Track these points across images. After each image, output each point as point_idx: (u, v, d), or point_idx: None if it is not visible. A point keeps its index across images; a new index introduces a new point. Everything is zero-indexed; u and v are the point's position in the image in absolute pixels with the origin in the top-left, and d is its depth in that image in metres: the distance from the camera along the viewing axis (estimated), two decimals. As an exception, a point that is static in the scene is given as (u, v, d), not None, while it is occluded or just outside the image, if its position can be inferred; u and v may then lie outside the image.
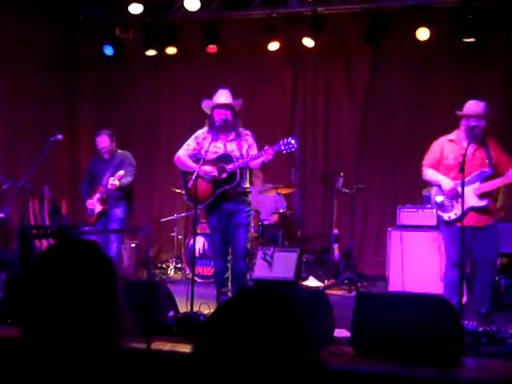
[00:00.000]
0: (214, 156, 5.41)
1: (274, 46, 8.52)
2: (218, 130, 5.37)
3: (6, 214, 6.37)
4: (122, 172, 6.48)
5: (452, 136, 5.21)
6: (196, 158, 5.51)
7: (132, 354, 1.44)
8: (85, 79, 9.56)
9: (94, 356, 1.38)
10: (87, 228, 6.84)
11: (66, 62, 9.34)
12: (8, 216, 6.42)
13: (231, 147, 5.43)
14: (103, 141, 6.74)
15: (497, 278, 6.47)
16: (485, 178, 5.02)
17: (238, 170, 5.31)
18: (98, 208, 6.69)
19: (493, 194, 5.17)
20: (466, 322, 4.50)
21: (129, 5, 8.44)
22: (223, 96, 5.47)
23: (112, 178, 6.39)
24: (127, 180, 6.57)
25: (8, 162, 8.19)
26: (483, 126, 5.01)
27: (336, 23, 8.50)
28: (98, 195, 6.68)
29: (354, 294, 5.24)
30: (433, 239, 6.52)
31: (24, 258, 4.29)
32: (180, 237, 8.38)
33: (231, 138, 5.47)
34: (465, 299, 5.49)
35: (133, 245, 7.99)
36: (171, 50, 8.95)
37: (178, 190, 8.01)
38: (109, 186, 6.43)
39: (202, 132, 5.58)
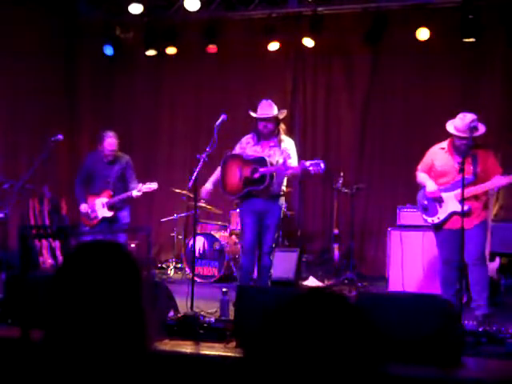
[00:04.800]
0: (251, 158, 5.83)
1: (273, 46, 8.51)
2: (260, 137, 5.89)
3: (6, 214, 6.36)
4: (155, 185, 6.49)
5: (444, 144, 5.41)
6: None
7: (158, 355, 1.43)
8: (85, 79, 9.55)
9: (120, 358, 1.37)
10: (87, 229, 6.76)
11: (66, 62, 9.34)
12: (8, 216, 6.41)
13: (269, 153, 5.83)
14: (114, 143, 6.62)
15: (496, 278, 6.47)
16: (465, 185, 5.15)
17: (267, 175, 5.66)
18: (106, 214, 6.58)
19: (478, 198, 5.29)
20: (466, 322, 4.50)
21: (129, 5, 8.44)
22: (264, 108, 5.89)
23: (138, 187, 6.42)
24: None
25: (8, 162, 8.19)
26: (464, 142, 5.17)
27: (336, 23, 8.49)
28: (104, 200, 6.57)
29: (354, 293, 5.25)
30: (433, 239, 6.50)
31: (24, 258, 4.29)
32: (180, 237, 8.38)
33: (272, 144, 5.88)
34: (465, 299, 5.50)
35: (133, 245, 8.00)
36: (171, 50, 8.94)
37: (177, 190, 8.01)
38: (134, 196, 6.44)
39: (246, 137, 6.00)
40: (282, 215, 5.93)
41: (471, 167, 5.22)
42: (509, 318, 4.97)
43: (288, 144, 5.88)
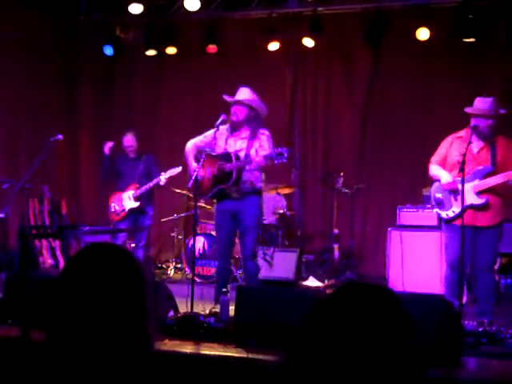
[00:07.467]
0: (219, 154, 5.46)
1: (273, 46, 8.51)
2: (232, 127, 5.44)
3: (6, 213, 6.37)
4: (179, 169, 6.77)
5: (461, 133, 5.12)
6: (200, 153, 5.45)
7: (158, 355, 1.44)
8: (85, 79, 9.55)
9: (124, 358, 1.38)
10: (100, 227, 7.19)
11: (66, 62, 9.34)
12: (8, 216, 6.42)
13: (241, 146, 5.43)
14: (130, 140, 7.18)
15: (497, 278, 6.47)
16: (484, 175, 4.92)
17: (234, 171, 5.32)
18: (133, 205, 6.97)
19: (498, 192, 4.97)
20: (466, 322, 4.50)
21: (129, 5, 8.44)
22: (238, 94, 5.43)
23: (164, 175, 6.77)
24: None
25: (8, 162, 8.19)
26: (490, 124, 4.90)
27: (336, 23, 8.50)
28: (132, 192, 6.98)
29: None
30: (433, 239, 6.51)
31: (24, 258, 4.30)
32: (180, 237, 8.37)
33: (243, 136, 5.47)
34: (465, 299, 5.49)
35: (133, 245, 7.98)
36: (171, 50, 8.94)
37: (178, 190, 8.01)
38: (161, 183, 6.81)
39: (222, 128, 5.50)
40: (261, 214, 5.55)
41: (489, 155, 4.92)
42: (509, 318, 4.96)
43: (262, 135, 5.42)
